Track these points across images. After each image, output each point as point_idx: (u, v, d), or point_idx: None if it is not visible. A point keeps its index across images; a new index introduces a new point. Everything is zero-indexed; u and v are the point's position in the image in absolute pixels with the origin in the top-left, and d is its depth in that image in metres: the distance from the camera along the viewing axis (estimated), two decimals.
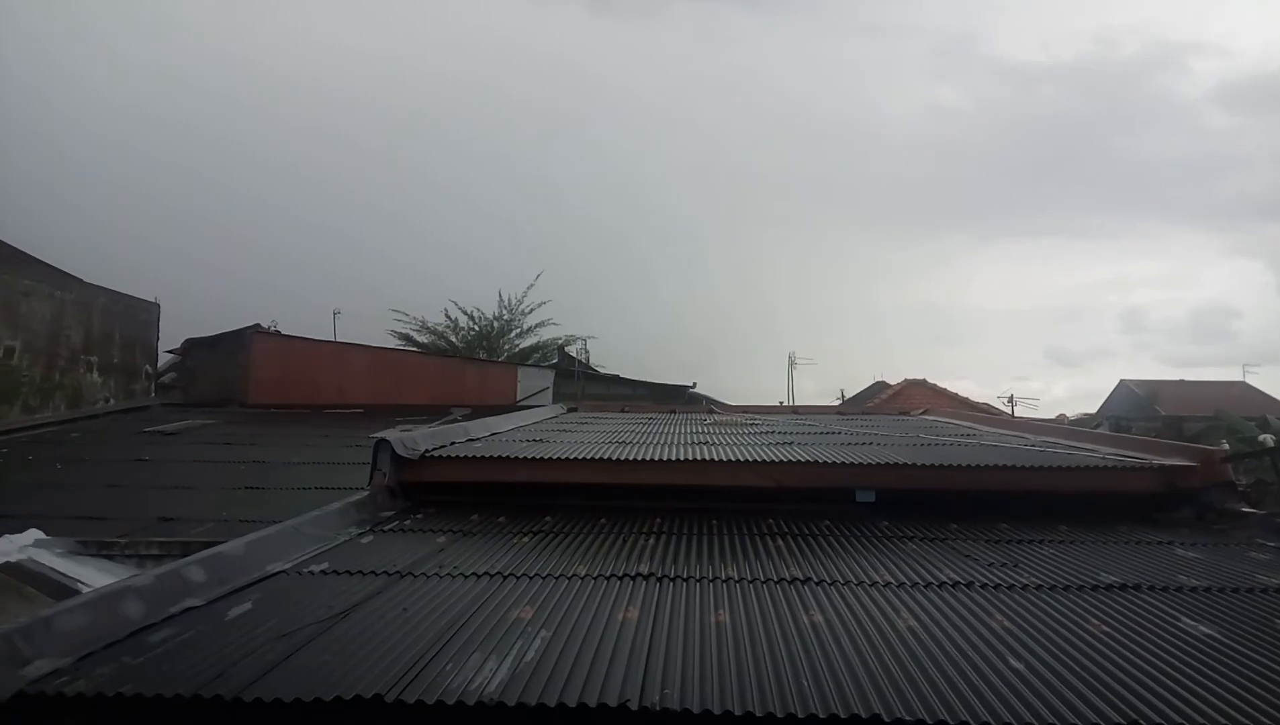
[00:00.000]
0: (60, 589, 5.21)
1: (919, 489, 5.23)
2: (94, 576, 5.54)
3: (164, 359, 17.43)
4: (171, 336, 17.10)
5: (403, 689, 2.28)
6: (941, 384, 25.29)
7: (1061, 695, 2.33)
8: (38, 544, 5.83)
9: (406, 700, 2.23)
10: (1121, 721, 2.18)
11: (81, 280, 14.71)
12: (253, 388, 16.29)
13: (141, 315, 16.09)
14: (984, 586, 3.51)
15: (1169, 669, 2.56)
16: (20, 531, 5.80)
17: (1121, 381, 48.09)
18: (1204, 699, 2.35)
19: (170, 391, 16.88)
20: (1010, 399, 24.89)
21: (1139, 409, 39.20)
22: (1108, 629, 2.95)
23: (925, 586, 3.51)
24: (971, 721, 2.15)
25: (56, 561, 5.75)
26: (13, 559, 5.49)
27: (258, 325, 17.73)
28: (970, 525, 4.76)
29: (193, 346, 17.50)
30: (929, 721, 2.16)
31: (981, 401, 23.97)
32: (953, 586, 3.52)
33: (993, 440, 7.29)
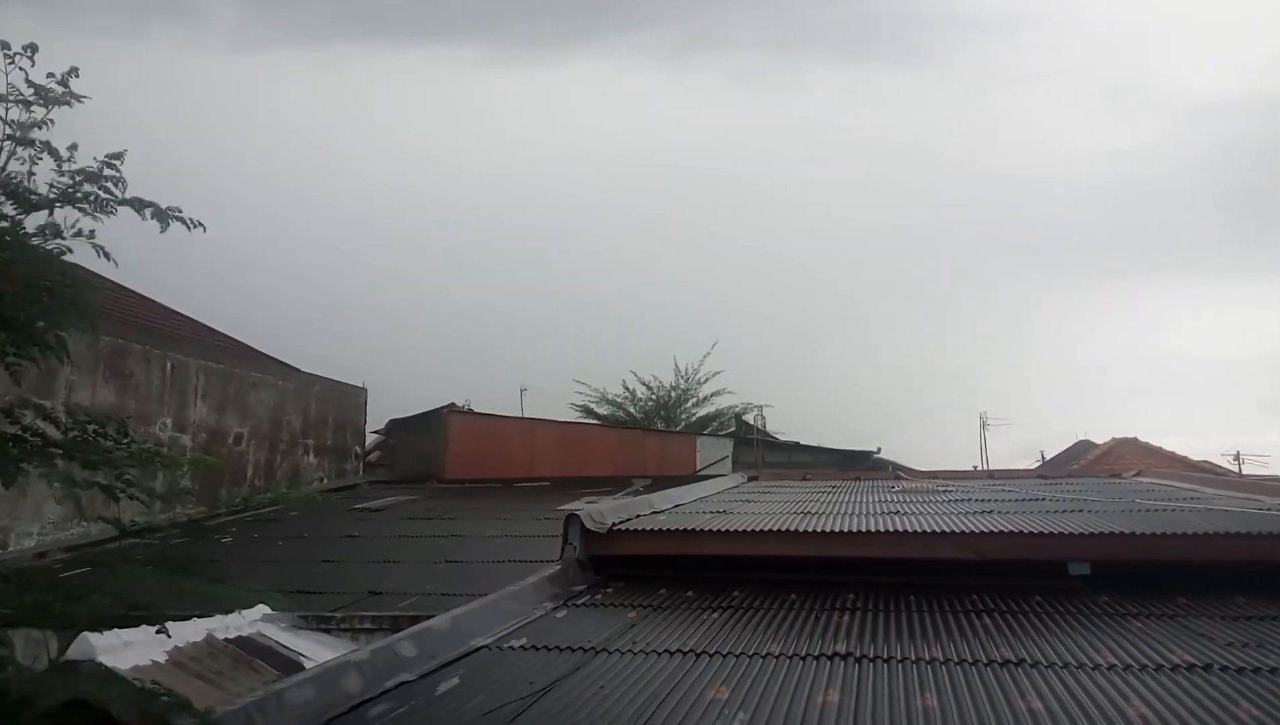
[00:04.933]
0: (285, 662, 5.60)
1: (1141, 560, 4.83)
2: (314, 649, 5.92)
3: (370, 439, 18.67)
4: (376, 417, 18.31)
5: None
6: (1154, 442, 23.22)
7: None
8: (265, 618, 6.30)
9: None
10: None
11: (299, 370, 16.07)
12: (449, 463, 17.15)
13: (352, 399, 17.37)
14: (1225, 670, 3.18)
15: None
16: (249, 606, 6.28)
17: None
18: None
19: (376, 469, 18.02)
20: (1236, 457, 22.46)
21: None
22: None
23: (1156, 669, 3.22)
24: None
25: (281, 635, 6.19)
26: (244, 633, 5.95)
27: (453, 404, 18.70)
28: (1202, 600, 4.35)
29: (395, 427, 18.66)
30: None
31: (1201, 459, 21.78)
32: (1188, 669, 3.21)
33: (1221, 504, 6.65)
